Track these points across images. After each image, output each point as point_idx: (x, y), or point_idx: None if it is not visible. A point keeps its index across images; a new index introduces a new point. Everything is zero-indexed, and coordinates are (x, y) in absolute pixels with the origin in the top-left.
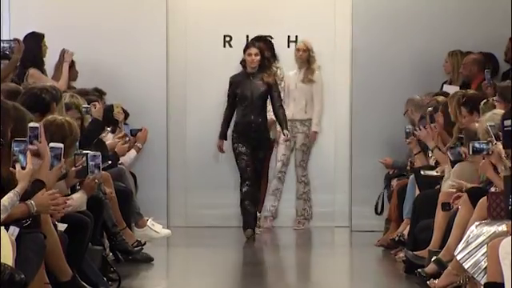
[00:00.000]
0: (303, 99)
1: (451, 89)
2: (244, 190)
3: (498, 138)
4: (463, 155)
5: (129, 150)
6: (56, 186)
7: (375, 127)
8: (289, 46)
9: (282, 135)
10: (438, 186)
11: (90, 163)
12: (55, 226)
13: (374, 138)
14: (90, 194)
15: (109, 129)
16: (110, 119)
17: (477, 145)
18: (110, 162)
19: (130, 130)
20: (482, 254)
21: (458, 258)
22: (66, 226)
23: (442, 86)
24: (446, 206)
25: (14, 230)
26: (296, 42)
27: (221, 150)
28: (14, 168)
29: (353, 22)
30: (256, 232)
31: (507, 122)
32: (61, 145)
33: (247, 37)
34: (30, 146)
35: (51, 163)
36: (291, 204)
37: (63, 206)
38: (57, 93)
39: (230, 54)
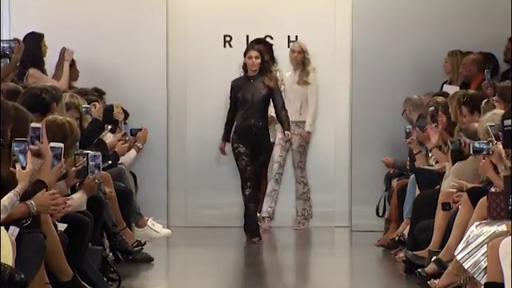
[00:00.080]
0: (298, 101)
1: (451, 89)
2: (247, 193)
3: (497, 138)
4: (463, 144)
5: (129, 150)
6: (56, 186)
7: (375, 127)
8: (289, 46)
9: (278, 134)
10: (438, 186)
11: (90, 163)
12: (55, 225)
13: (373, 138)
14: (90, 193)
15: (110, 127)
16: (110, 119)
17: (477, 145)
18: (110, 162)
19: (130, 130)
20: (482, 254)
21: (458, 257)
22: (65, 225)
23: (442, 85)
24: (446, 206)
25: (14, 230)
26: (296, 41)
27: (223, 152)
28: (14, 168)
29: (353, 21)
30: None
31: (507, 122)
32: (61, 145)
33: (247, 37)
34: (32, 147)
35: (51, 163)
36: (291, 204)
37: (63, 206)
38: (57, 93)
39: (230, 54)
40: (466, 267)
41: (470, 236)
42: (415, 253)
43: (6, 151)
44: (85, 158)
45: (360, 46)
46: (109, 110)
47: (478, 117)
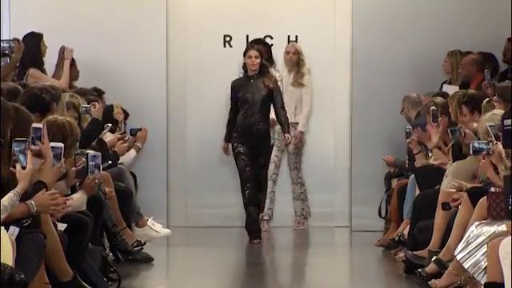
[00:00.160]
0: (293, 103)
1: (451, 89)
2: (247, 193)
3: (497, 138)
4: (463, 134)
5: (128, 150)
6: (56, 186)
7: (375, 127)
8: None
9: (275, 135)
10: (438, 186)
11: (90, 163)
12: (55, 225)
13: (374, 137)
14: (90, 193)
15: (110, 125)
16: (109, 119)
17: (477, 145)
18: (109, 162)
19: (130, 130)
20: (482, 254)
21: (458, 257)
22: (65, 225)
23: (442, 85)
24: (446, 206)
25: (14, 230)
26: (296, 41)
27: (226, 152)
28: (14, 168)
29: (353, 21)
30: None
31: (507, 122)
32: (61, 144)
33: (247, 37)
34: (32, 147)
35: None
36: (289, 204)
37: (63, 206)
38: (56, 92)
39: (230, 54)
40: (466, 267)
41: (469, 236)
42: (415, 253)
43: (6, 151)
44: (85, 158)
45: (360, 46)
46: (109, 110)
47: (478, 117)
